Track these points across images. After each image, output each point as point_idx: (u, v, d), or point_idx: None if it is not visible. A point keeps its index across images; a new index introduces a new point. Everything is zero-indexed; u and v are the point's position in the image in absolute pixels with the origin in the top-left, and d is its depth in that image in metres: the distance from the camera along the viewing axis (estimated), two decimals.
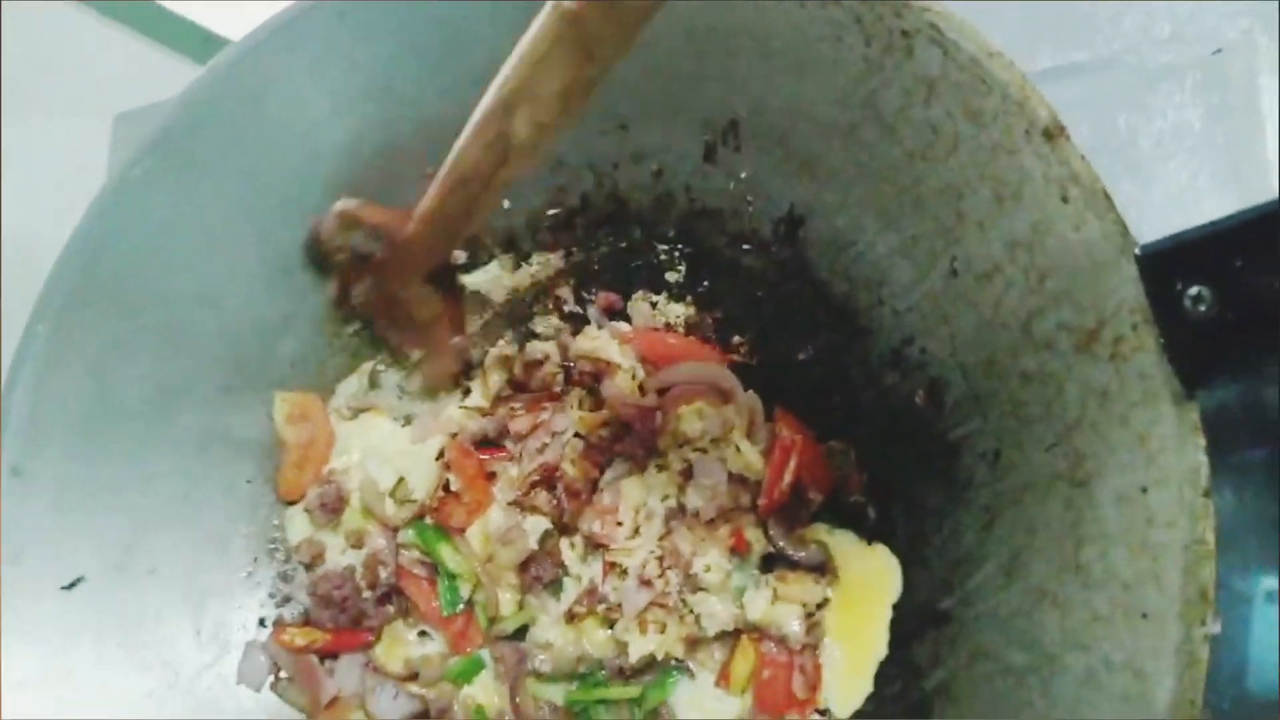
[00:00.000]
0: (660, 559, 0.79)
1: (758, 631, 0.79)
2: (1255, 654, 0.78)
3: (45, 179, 1.07)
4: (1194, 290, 0.56)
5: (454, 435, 0.88)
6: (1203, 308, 0.56)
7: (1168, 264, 0.58)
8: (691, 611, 0.79)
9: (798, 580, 0.80)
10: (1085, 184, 0.62)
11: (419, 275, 0.84)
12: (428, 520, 0.87)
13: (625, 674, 0.82)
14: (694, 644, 0.80)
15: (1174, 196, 0.75)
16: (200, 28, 1.27)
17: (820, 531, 0.82)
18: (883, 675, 0.78)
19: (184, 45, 1.25)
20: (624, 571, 0.79)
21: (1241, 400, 0.87)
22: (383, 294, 0.87)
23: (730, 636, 0.81)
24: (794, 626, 0.78)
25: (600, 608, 0.80)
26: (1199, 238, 0.56)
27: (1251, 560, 0.80)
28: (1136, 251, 0.59)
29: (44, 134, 1.14)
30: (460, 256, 0.92)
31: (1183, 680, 0.57)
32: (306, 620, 0.89)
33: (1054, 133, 0.63)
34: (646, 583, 0.78)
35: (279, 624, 0.89)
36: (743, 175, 0.81)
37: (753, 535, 0.80)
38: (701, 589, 0.80)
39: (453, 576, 0.84)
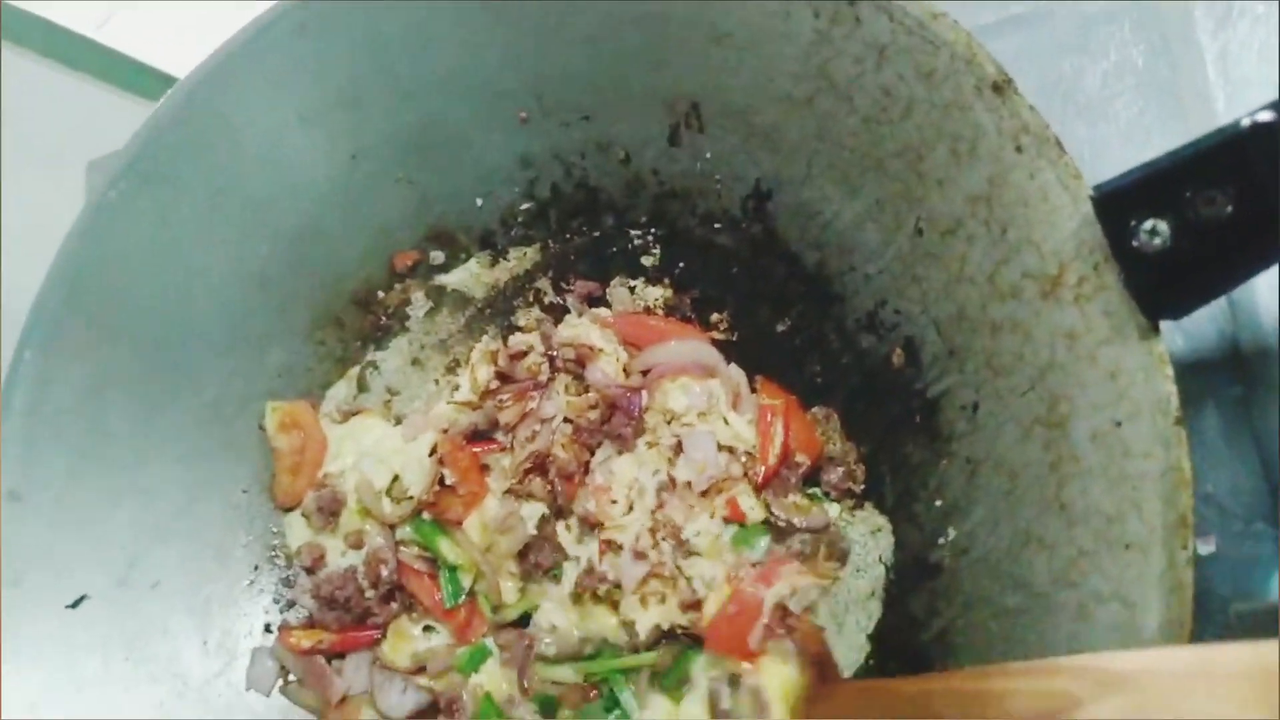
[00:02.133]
0: (653, 530, 0.80)
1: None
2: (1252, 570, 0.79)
3: (20, 230, 1.08)
4: (1149, 224, 0.58)
5: (445, 431, 0.89)
6: (1158, 240, 0.57)
7: (1122, 202, 0.59)
8: (684, 575, 0.80)
9: (820, 564, 0.81)
10: (1036, 133, 0.64)
11: None
12: (425, 516, 0.87)
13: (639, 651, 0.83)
14: (691, 608, 0.81)
15: (1124, 133, 0.77)
16: (162, 73, 1.29)
17: (814, 499, 0.83)
18: (881, 631, 0.79)
19: (150, 91, 1.27)
20: (619, 547, 0.80)
21: (1217, 343, 0.89)
22: None
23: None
24: (812, 595, 0.80)
25: (601, 588, 0.81)
26: (1149, 173, 0.58)
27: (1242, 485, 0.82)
28: (1090, 193, 0.61)
29: (17, 185, 1.14)
30: (438, 257, 0.93)
31: (1170, 605, 0.58)
32: (311, 623, 0.90)
33: (1002, 85, 0.65)
34: (641, 555, 0.79)
35: (285, 627, 0.90)
36: (708, 155, 0.83)
37: (747, 504, 0.81)
38: (694, 553, 0.81)
39: (453, 568, 0.85)
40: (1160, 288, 0.59)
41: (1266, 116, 0.53)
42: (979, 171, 0.67)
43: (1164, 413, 0.59)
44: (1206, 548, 0.80)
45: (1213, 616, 0.79)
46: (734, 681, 0.78)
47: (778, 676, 0.77)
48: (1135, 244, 0.58)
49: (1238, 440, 0.81)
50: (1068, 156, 0.63)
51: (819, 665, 0.76)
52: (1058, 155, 0.63)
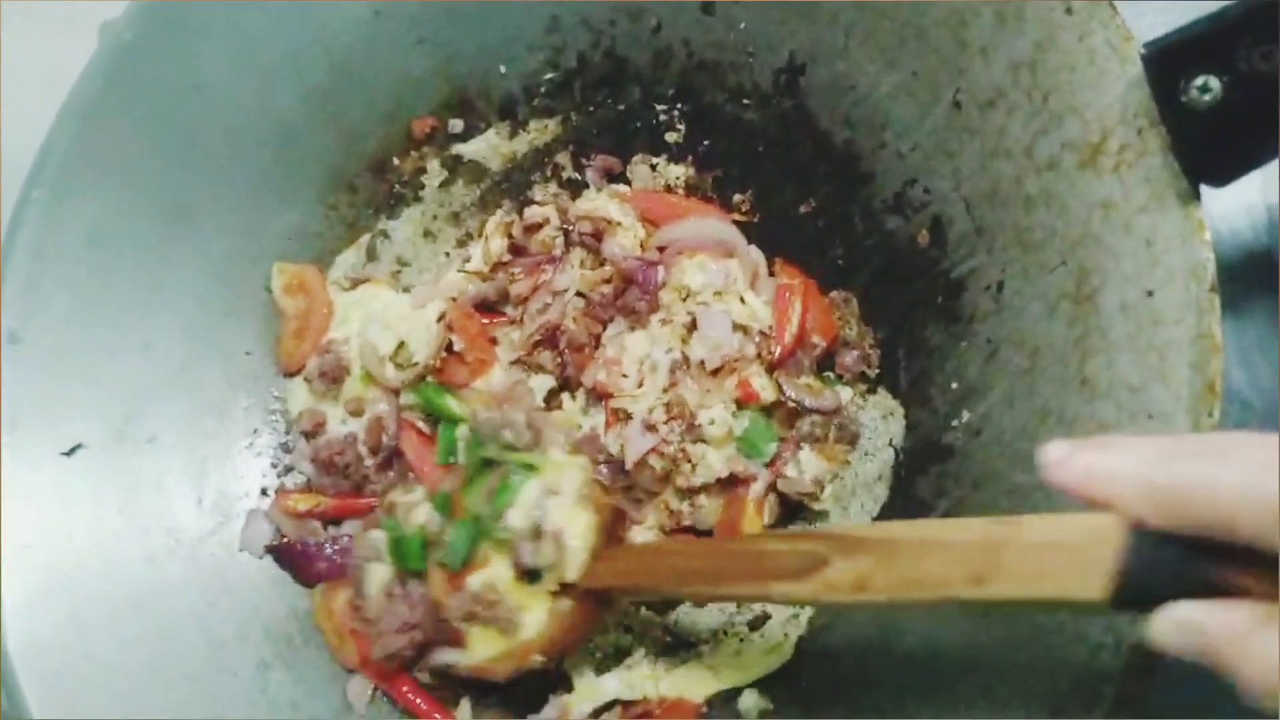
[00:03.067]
0: (667, 406, 0.79)
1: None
2: None
3: (32, 90, 1.05)
4: (1199, 81, 0.56)
5: (454, 299, 0.87)
6: (1209, 97, 0.56)
7: (1172, 59, 0.58)
8: (689, 461, 0.79)
9: (830, 446, 0.81)
10: None
11: None
12: (430, 380, 0.86)
13: None
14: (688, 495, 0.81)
15: None
16: None
17: (826, 382, 0.82)
18: (887, 514, 0.78)
19: None
20: (628, 417, 0.79)
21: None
22: None
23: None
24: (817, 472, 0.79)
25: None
26: (1203, 29, 0.57)
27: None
28: (1141, 50, 0.59)
29: (30, 45, 1.12)
30: (457, 126, 0.91)
31: None
32: (309, 488, 0.88)
33: None
34: (651, 428, 0.78)
35: (282, 490, 0.89)
36: (742, 25, 0.81)
37: (759, 384, 0.80)
38: (703, 441, 0.80)
39: (454, 422, 0.83)
40: (1207, 149, 0.58)
41: None
42: (1025, 37, 0.66)
43: (1198, 279, 0.58)
44: None
45: None
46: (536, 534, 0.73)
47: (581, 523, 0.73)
48: (1185, 103, 0.57)
49: (1269, 348, 0.80)
50: (1120, 17, 0.61)
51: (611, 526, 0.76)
52: (1110, 15, 0.62)
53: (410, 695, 0.81)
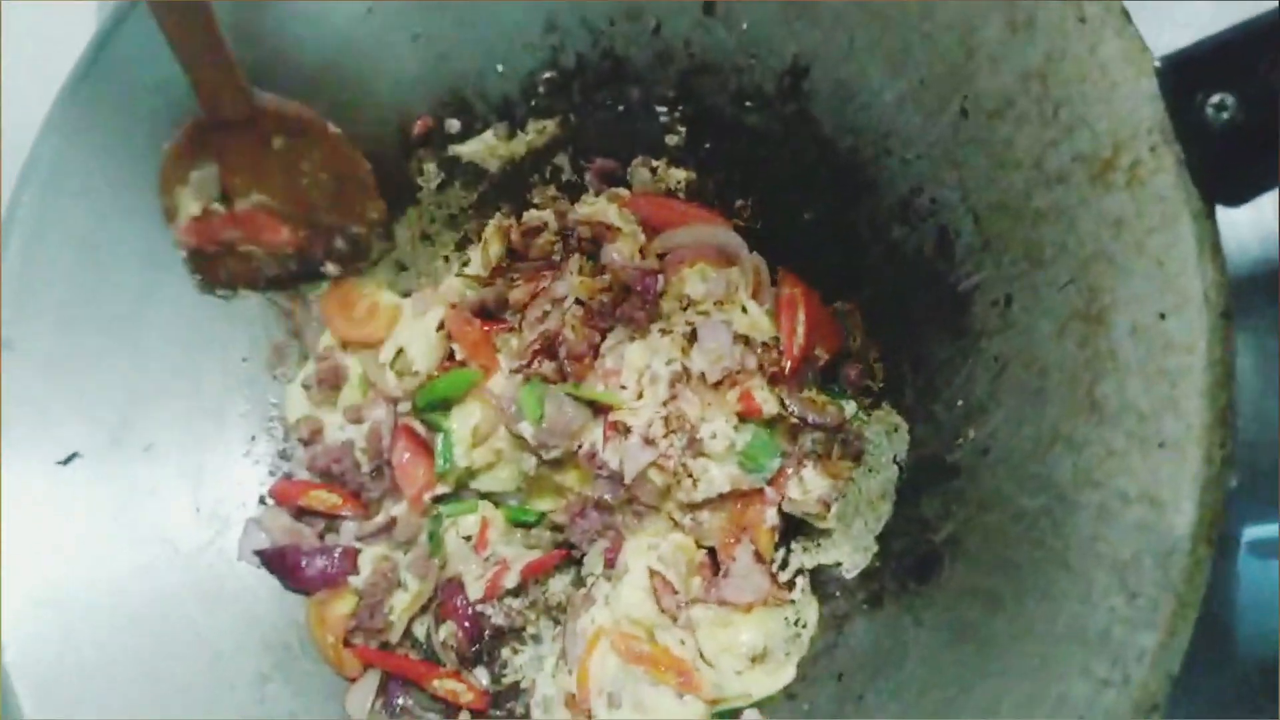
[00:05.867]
0: (666, 420, 0.77)
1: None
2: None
3: (31, 66, 1.03)
4: (1216, 98, 0.54)
5: (454, 306, 0.86)
6: (1225, 115, 0.54)
7: (1189, 74, 0.55)
8: (690, 476, 0.77)
9: (834, 463, 0.79)
10: (1102, 1, 0.59)
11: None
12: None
13: None
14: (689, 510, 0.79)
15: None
16: None
17: (829, 395, 0.80)
18: (890, 533, 0.76)
19: None
20: (627, 429, 0.77)
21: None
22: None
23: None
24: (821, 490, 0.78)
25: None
26: (1220, 43, 0.54)
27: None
28: (1156, 63, 0.57)
29: (29, 20, 1.10)
30: (454, 126, 0.89)
31: (1202, 505, 0.55)
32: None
33: None
34: (650, 442, 0.77)
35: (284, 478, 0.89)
36: (744, 26, 0.78)
37: (762, 397, 0.78)
38: (704, 455, 0.78)
39: (449, 434, 0.82)
40: (1223, 167, 0.55)
41: None
42: (1036, 45, 0.63)
43: (1211, 304, 0.56)
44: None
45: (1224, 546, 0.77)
46: None
47: None
48: (1201, 120, 0.54)
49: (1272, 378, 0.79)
50: (1134, 28, 0.59)
51: None
52: (1123, 26, 0.59)
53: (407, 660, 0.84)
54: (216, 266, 0.86)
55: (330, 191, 0.85)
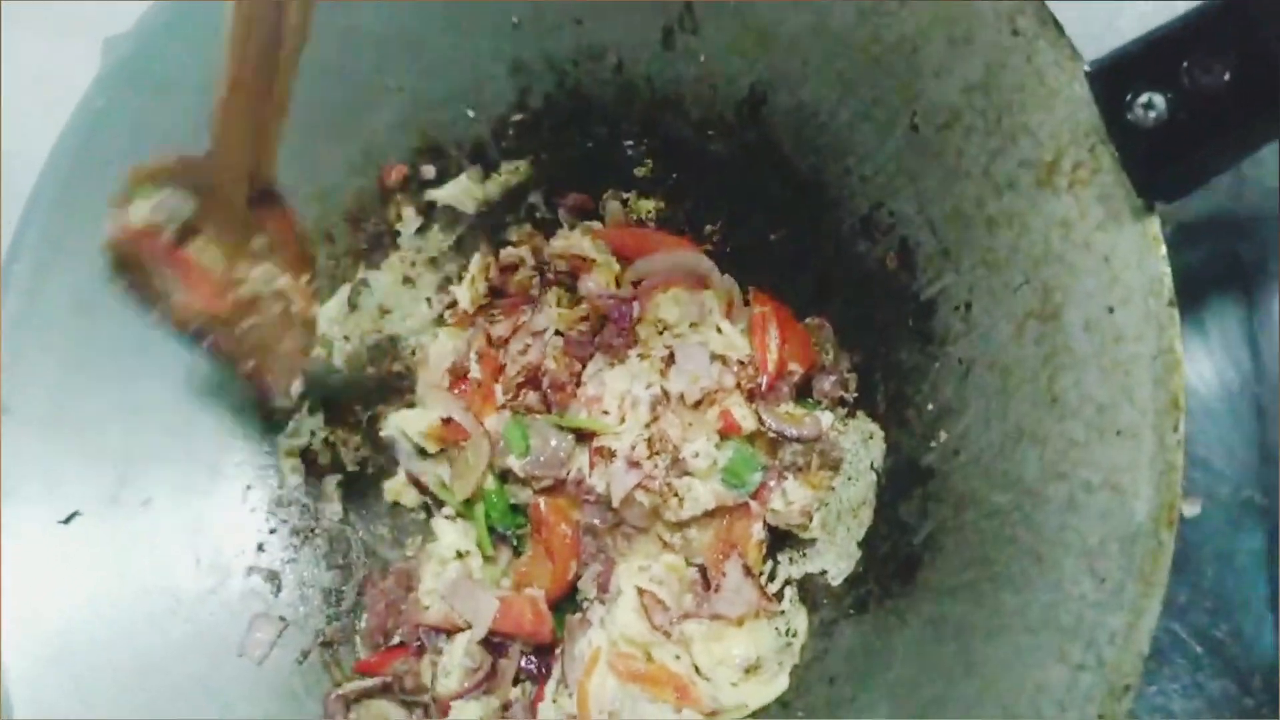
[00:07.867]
0: (649, 441, 0.79)
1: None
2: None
3: (35, 102, 1.04)
4: (1144, 98, 0.56)
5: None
6: (1154, 114, 0.56)
7: (1116, 76, 0.58)
8: (676, 495, 0.79)
9: (814, 474, 0.81)
10: (1032, 13, 0.62)
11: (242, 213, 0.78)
12: None
13: None
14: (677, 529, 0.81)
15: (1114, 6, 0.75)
16: None
17: (806, 408, 0.82)
18: (872, 538, 0.78)
19: None
20: (612, 454, 0.80)
21: (1216, 254, 0.88)
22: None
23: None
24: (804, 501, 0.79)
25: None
26: (1145, 44, 0.57)
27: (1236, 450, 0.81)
28: (1086, 68, 0.60)
29: (33, 58, 1.11)
30: (429, 172, 0.92)
31: (1160, 489, 0.57)
32: None
33: None
34: (635, 464, 0.79)
35: None
36: (702, 58, 0.81)
37: (740, 415, 0.80)
38: (688, 474, 0.80)
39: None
40: (1156, 165, 0.58)
41: None
42: (976, 59, 0.66)
43: (1156, 294, 0.58)
44: (1192, 509, 0.79)
45: (1189, 577, 0.79)
46: None
47: None
48: (1131, 120, 0.57)
49: (1236, 404, 0.81)
50: (1066, 37, 0.62)
51: None
52: (1055, 36, 0.62)
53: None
54: (145, 280, 0.80)
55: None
